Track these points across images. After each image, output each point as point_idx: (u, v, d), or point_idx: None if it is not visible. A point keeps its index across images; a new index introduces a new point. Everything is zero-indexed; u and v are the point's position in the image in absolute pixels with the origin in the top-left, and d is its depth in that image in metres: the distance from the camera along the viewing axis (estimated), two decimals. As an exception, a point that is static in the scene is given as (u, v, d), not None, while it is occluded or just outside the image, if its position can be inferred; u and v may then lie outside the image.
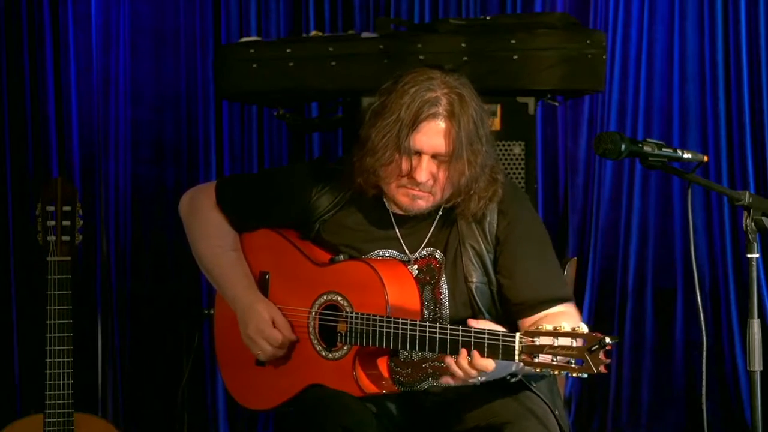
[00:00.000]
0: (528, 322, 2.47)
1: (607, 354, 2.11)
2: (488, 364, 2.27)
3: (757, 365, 2.37)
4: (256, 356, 2.62)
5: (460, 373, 2.30)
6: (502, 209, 2.54)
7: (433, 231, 2.56)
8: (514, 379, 2.48)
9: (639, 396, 4.45)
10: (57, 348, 3.14)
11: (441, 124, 2.41)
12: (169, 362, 4.42)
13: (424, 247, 2.56)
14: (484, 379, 2.33)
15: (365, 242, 2.57)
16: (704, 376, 2.65)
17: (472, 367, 2.28)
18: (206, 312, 2.85)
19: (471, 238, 2.53)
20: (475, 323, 2.31)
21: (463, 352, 2.28)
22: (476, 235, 2.53)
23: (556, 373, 2.16)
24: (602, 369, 2.11)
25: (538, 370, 2.18)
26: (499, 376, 2.42)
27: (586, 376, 2.14)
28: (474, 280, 2.51)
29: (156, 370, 4.50)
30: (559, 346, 2.14)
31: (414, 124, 2.40)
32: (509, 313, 2.51)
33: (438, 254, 2.55)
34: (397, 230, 2.57)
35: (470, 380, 2.32)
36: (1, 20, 4.46)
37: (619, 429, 4.45)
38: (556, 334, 2.16)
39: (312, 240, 2.64)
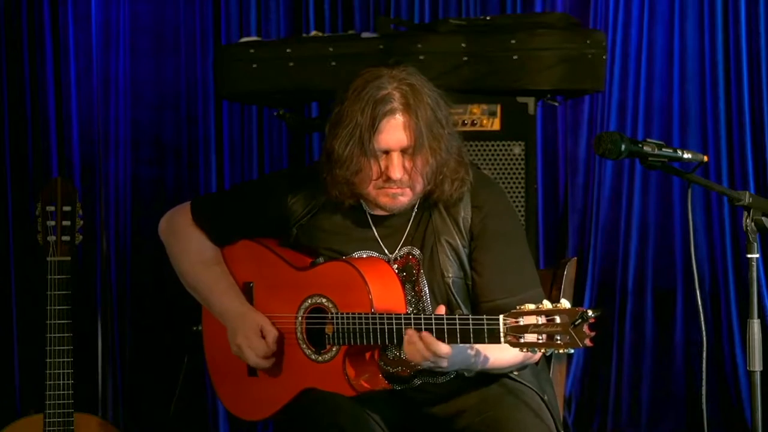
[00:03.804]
0: None
1: (591, 327, 2.12)
2: (440, 347, 2.29)
3: (757, 365, 2.37)
4: (247, 363, 2.62)
5: (410, 349, 2.33)
6: (476, 204, 2.54)
7: (409, 229, 2.56)
8: (466, 374, 2.50)
9: (639, 396, 4.45)
10: (57, 348, 3.14)
11: (399, 118, 2.42)
12: (169, 362, 4.42)
13: (402, 246, 2.56)
14: (440, 363, 2.34)
15: (343, 244, 2.57)
16: (704, 376, 2.65)
17: (426, 348, 2.29)
18: (195, 329, 2.84)
19: (446, 233, 2.53)
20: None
21: (412, 334, 2.30)
22: (451, 231, 2.53)
23: (543, 351, 2.17)
24: (587, 342, 2.12)
25: (525, 350, 2.19)
26: (455, 368, 2.43)
27: (572, 351, 2.15)
28: (450, 275, 2.52)
29: (156, 371, 4.50)
30: (543, 324, 2.16)
31: (373, 125, 2.41)
32: (479, 311, 2.51)
33: (416, 252, 2.55)
34: (374, 231, 2.57)
35: (427, 363, 2.34)
36: (1, 20, 4.46)
37: (619, 429, 4.45)
38: (539, 312, 2.17)
39: (291, 245, 2.64)
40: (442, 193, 2.51)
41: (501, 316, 2.22)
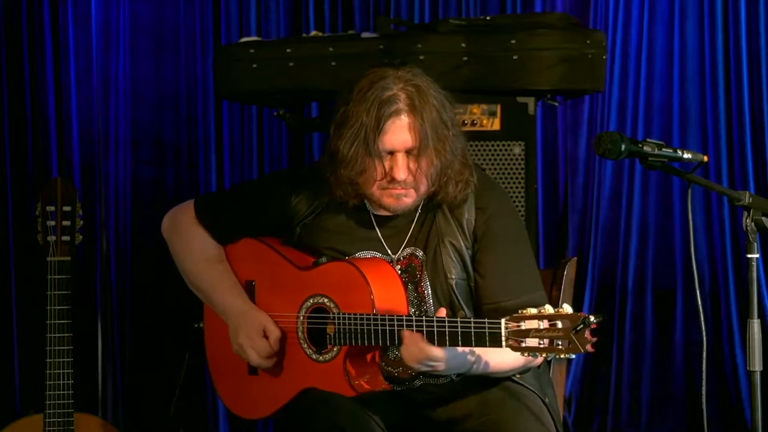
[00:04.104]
0: None
1: (593, 333, 2.12)
2: (431, 351, 2.29)
3: (757, 365, 2.37)
4: (248, 362, 2.62)
5: (405, 352, 2.33)
6: (480, 206, 2.54)
7: (413, 230, 2.56)
8: (457, 377, 2.49)
9: (639, 396, 4.45)
10: (57, 348, 3.14)
11: (405, 119, 2.42)
12: (169, 362, 4.42)
13: (405, 247, 2.56)
14: (436, 366, 2.34)
15: (347, 244, 2.57)
16: (704, 376, 2.65)
17: (419, 351, 2.30)
18: (196, 326, 2.84)
19: (450, 235, 2.53)
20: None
21: (407, 335, 2.30)
22: (455, 232, 2.53)
23: (544, 356, 2.16)
24: (589, 348, 2.11)
25: (526, 354, 2.19)
26: (453, 372, 2.42)
27: (573, 356, 2.14)
28: (453, 276, 2.52)
29: (156, 370, 4.50)
30: (544, 329, 2.15)
31: (378, 126, 2.41)
32: (481, 312, 2.50)
33: (419, 253, 2.55)
34: (378, 231, 2.57)
35: (422, 365, 2.33)
36: (1, 20, 4.46)
37: (619, 429, 4.45)
38: (540, 317, 2.16)
39: (294, 245, 2.64)
40: (446, 195, 2.50)
41: (503, 320, 2.21)
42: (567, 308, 2.15)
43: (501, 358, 2.42)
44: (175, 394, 3.33)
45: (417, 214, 2.56)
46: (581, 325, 2.11)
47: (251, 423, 4.51)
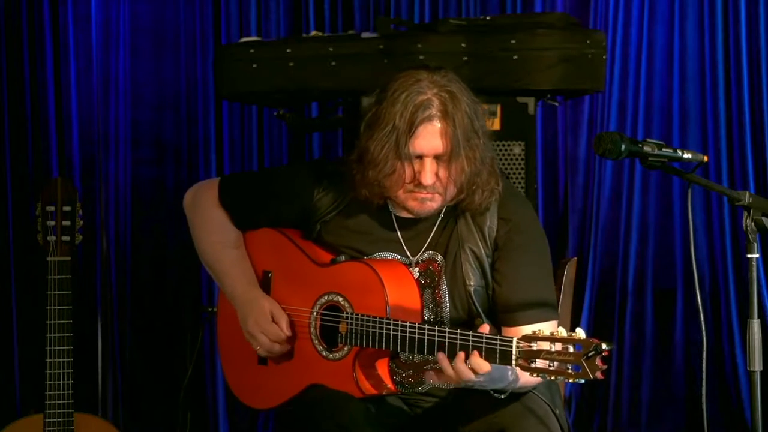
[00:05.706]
0: (511, 331, 2.46)
1: (604, 360, 2.11)
2: (485, 365, 2.27)
3: (757, 365, 2.37)
4: (257, 351, 2.63)
5: (451, 372, 2.30)
6: (503, 216, 2.54)
7: (434, 234, 2.56)
8: (502, 396, 2.45)
9: (639, 396, 4.45)
10: (57, 348, 3.15)
11: (437, 124, 2.42)
12: (169, 362, 4.43)
13: (425, 251, 2.56)
14: (480, 380, 2.32)
15: (366, 244, 2.57)
16: (704, 376, 2.66)
17: (469, 367, 2.27)
18: (209, 310, 2.86)
19: (471, 241, 2.53)
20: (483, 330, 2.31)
21: (461, 354, 2.28)
22: (476, 239, 2.53)
23: (552, 378, 2.16)
24: (598, 375, 2.11)
25: (534, 375, 2.18)
26: (492, 386, 2.41)
27: (582, 381, 2.14)
28: (472, 283, 2.52)
29: (156, 370, 4.50)
30: (555, 352, 2.15)
31: (410, 130, 2.40)
32: (496, 320, 2.50)
33: (438, 257, 2.55)
34: (398, 233, 2.57)
35: (464, 382, 2.32)
36: (1, 20, 4.46)
37: (619, 429, 4.45)
38: (553, 339, 2.16)
39: (313, 240, 2.64)
40: (472, 202, 2.50)
41: (515, 339, 2.21)
42: (580, 333, 2.14)
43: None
44: (185, 377, 3.33)
45: (439, 219, 2.56)
46: (593, 352, 2.10)
47: (251, 420, 4.51)
